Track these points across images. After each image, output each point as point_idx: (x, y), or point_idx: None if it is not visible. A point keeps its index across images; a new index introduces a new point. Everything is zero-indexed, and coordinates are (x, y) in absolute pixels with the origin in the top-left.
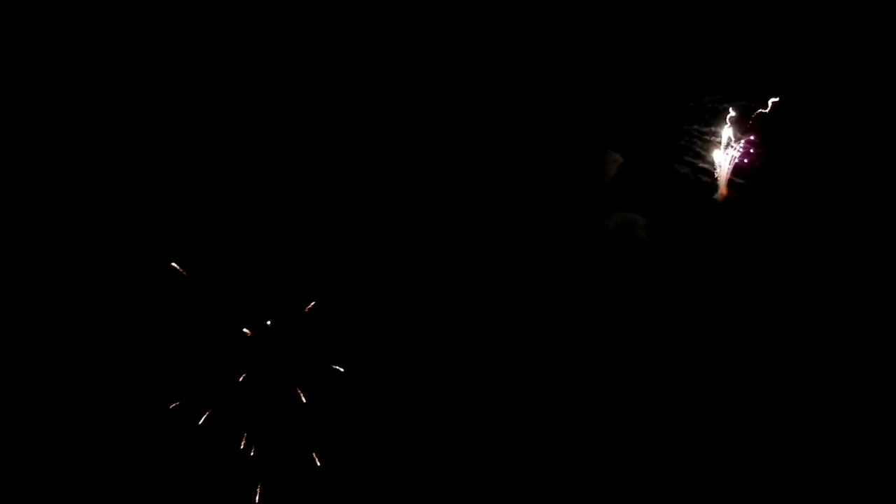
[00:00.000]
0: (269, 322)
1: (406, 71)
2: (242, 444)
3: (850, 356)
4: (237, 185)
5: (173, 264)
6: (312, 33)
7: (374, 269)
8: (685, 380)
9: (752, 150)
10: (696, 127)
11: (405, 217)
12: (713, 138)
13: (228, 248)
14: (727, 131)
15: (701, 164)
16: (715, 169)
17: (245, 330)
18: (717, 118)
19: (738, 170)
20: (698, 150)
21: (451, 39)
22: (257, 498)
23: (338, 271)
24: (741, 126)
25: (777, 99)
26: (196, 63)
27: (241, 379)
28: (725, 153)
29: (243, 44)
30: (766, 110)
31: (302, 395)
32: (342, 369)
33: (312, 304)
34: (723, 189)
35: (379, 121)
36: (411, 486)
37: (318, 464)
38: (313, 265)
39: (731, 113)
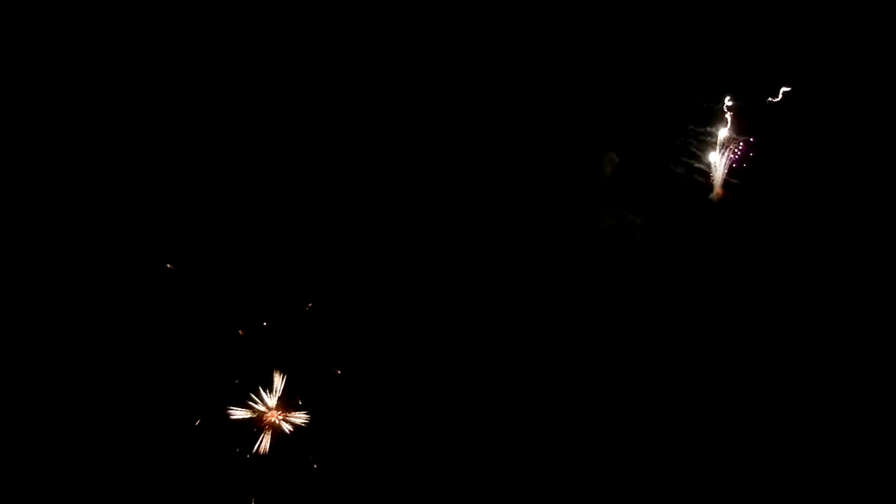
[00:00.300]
0: (264, 323)
1: (399, 70)
2: (237, 448)
3: (850, 356)
4: (233, 185)
5: (168, 265)
6: (312, 33)
7: (370, 269)
8: (682, 381)
9: (748, 151)
10: (691, 127)
11: (398, 217)
12: (709, 138)
13: (224, 248)
14: (723, 131)
15: (696, 165)
16: (710, 169)
17: (240, 331)
18: (713, 118)
19: (733, 170)
20: (694, 150)
21: (446, 38)
22: (253, 500)
23: (335, 271)
24: (737, 126)
25: (774, 99)
26: (192, 62)
27: (236, 381)
28: (721, 153)
29: (241, 43)
30: (763, 110)
31: (298, 398)
32: (339, 371)
33: (310, 304)
34: (718, 189)
35: (376, 120)
36: (410, 487)
37: (315, 466)
38: (311, 265)
39: (727, 113)
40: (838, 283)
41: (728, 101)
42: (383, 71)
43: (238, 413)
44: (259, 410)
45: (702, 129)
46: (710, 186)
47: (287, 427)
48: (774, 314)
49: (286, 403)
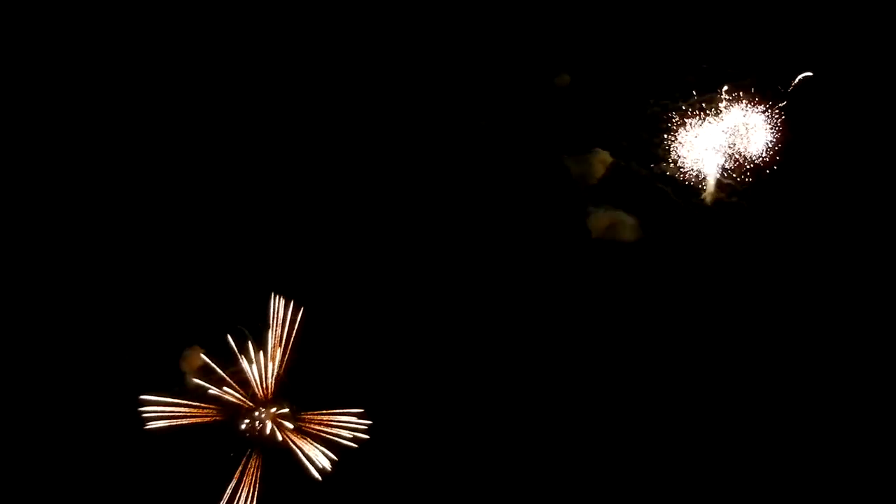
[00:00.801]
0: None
1: (389, 70)
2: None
3: (844, 357)
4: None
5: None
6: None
7: (360, 271)
8: (675, 381)
9: (741, 151)
10: (685, 127)
11: (386, 218)
12: (702, 138)
13: (222, 250)
14: (716, 131)
15: (690, 165)
16: (703, 169)
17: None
18: (707, 118)
19: (726, 170)
20: (687, 150)
21: (439, 38)
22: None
23: (330, 271)
24: (731, 126)
25: (768, 99)
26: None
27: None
28: (714, 153)
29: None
30: (758, 110)
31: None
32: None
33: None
34: (711, 189)
35: (366, 120)
36: (408, 488)
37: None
38: (306, 265)
39: (721, 113)
40: (832, 284)
41: (722, 102)
42: (371, 70)
43: (222, 411)
44: (248, 405)
45: (695, 129)
46: (703, 186)
47: (291, 439)
48: (767, 314)
49: (282, 400)
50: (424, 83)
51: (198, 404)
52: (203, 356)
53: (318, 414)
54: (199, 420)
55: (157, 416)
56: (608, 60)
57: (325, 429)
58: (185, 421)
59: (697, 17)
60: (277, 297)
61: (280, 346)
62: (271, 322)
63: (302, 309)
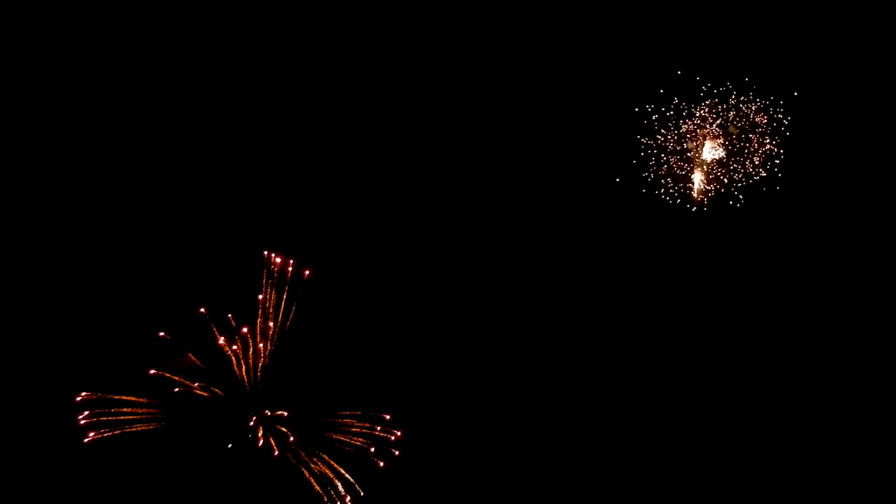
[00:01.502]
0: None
1: (388, 72)
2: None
3: (840, 358)
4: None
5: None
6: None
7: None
8: (666, 380)
9: (729, 154)
10: (674, 130)
11: (383, 218)
12: (692, 141)
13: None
14: (705, 135)
15: (678, 168)
16: (693, 172)
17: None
18: (697, 122)
19: (714, 173)
20: (677, 152)
21: (440, 39)
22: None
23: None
24: (719, 130)
25: (758, 103)
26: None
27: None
28: (702, 157)
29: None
30: (748, 114)
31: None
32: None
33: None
34: (699, 191)
35: (364, 123)
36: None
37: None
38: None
39: (710, 117)
40: (822, 284)
41: (711, 106)
42: (371, 73)
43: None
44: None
45: (685, 132)
46: (691, 189)
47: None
48: (756, 314)
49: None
50: (425, 83)
51: (138, 400)
52: (192, 356)
53: (329, 419)
54: (143, 427)
55: (96, 423)
56: (605, 61)
57: (343, 439)
58: (125, 428)
59: (693, 22)
60: (272, 255)
61: (273, 318)
62: (264, 286)
63: (308, 272)
